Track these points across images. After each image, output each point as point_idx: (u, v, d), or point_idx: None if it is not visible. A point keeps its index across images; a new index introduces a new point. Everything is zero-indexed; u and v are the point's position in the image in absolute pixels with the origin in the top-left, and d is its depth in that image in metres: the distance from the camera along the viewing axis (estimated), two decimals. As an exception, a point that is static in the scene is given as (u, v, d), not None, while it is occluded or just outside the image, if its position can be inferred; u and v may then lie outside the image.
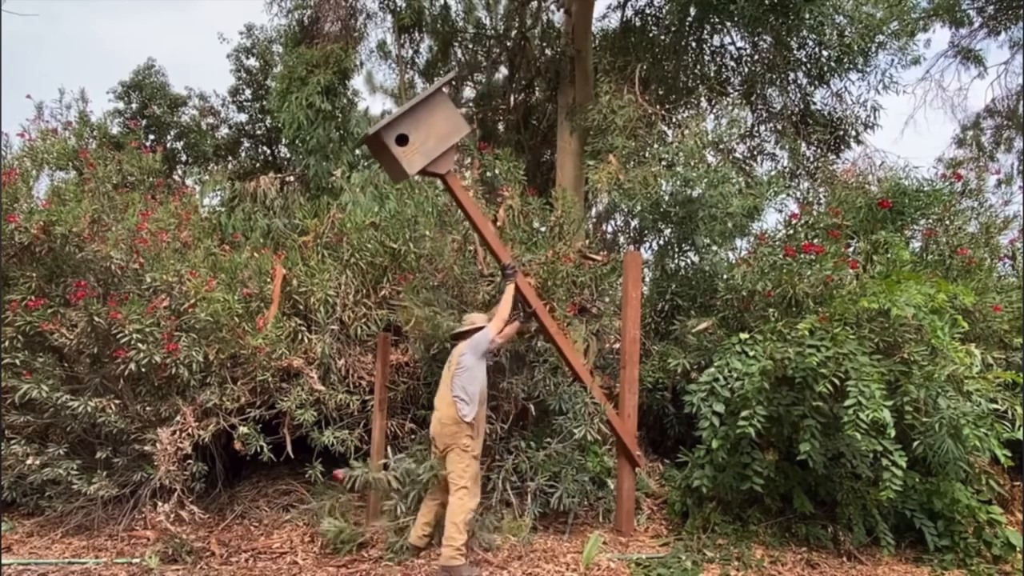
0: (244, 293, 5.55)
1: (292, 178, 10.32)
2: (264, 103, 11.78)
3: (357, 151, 10.62)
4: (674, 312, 6.72)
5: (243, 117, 12.64)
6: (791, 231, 6.18)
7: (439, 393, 4.58)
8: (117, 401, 4.96)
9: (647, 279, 7.39)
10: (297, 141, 9.57)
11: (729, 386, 4.84)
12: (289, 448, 5.23)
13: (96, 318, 4.81)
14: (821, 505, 5.25)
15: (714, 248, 6.77)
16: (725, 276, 6.22)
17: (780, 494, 5.23)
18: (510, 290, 4.71)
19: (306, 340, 5.45)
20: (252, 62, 12.24)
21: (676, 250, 7.30)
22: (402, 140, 4.41)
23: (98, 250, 5.15)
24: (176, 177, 11.28)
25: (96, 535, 5.03)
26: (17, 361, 4.88)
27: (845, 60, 9.11)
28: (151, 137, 11.38)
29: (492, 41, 13.89)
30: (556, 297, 5.70)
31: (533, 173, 11.73)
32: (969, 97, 39.82)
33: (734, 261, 6.40)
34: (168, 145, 11.42)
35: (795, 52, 9.67)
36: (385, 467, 4.87)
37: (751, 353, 4.89)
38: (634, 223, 8.61)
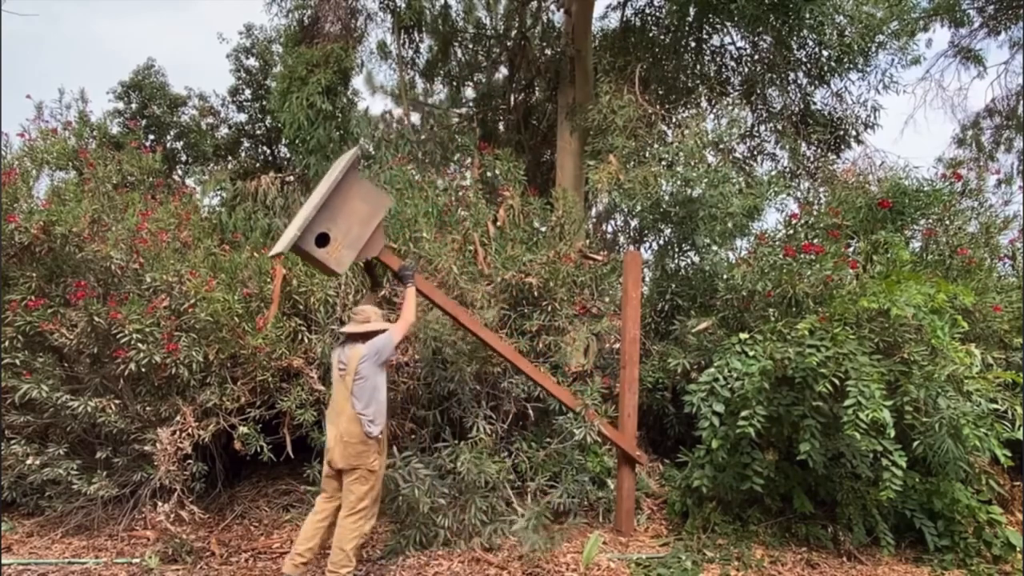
0: (244, 293, 5.55)
1: (292, 178, 10.31)
2: (264, 103, 11.77)
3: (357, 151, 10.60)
4: (674, 312, 6.72)
5: (243, 117, 12.63)
6: (791, 231, 6.18)
7: (335, 405, 4.01)
8: (117, 401, 4.96)
9: (647, 279, 7.40)
10: (297, 141, 9.56)
11: (729, 386, 4.84)
12: (289, 448, 5.23)
13: (96, 318, 4.81)
14: (821, 505, 5.25)
15: (714, 248, 6.77)
16: (725, 276, 6.22)
17: (780, 494, 5.23)
18: (411, 293, 4.26)
19: (306, 340, 5.45)
20: (252, 62, 12.22)
21: (676, 250, 7.30)
22: (323, 240, 3.97)
23: (98, 250, 5.15)
24: (176, 177, 11.27)
25: (96, 535, 5.03)
26: (17, 361, 4.88)
27: (845, 60, 9.11)
28: (151, 137, 11.36)
29: (492, 41, 13.88)
30: (558, 297, 5.70)
31: (533, 173, 11.72)
32: (969, 97, 39.84)
33: (734, 261, 6.40)
34: (168, 145, 11.40)
35: (795, 52, 9.67)
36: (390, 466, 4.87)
37: (751, 353, 4.89)
38: (634, 223, 8.61)
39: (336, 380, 4.06)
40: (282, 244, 3.91)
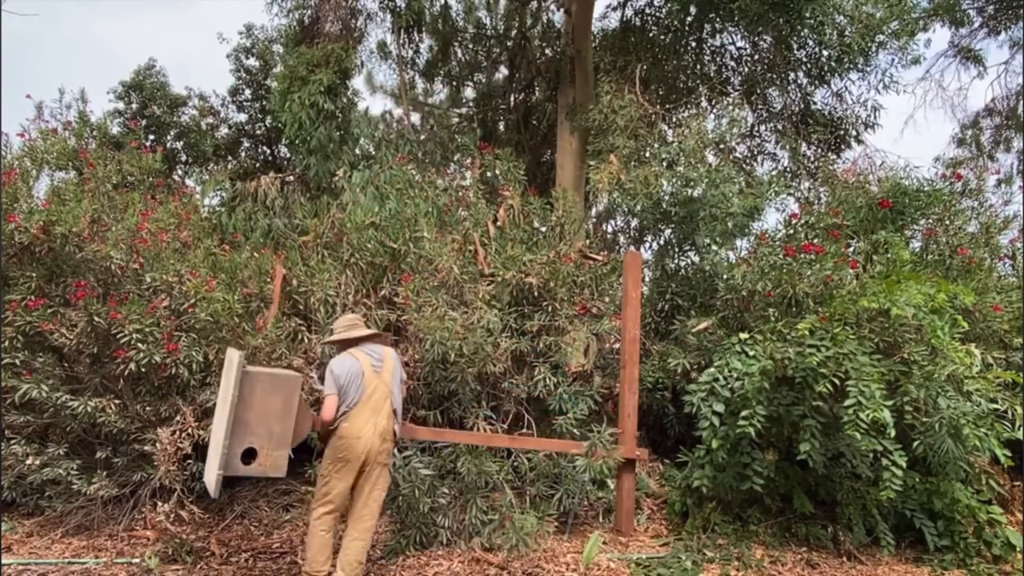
0: (244, 293, 5.55)
1: (292, 178, 10.31)
2: (264, 103, 11.78)
3: (357, 151, 10.62)
4: (674, 312, 6.73)
5: (243, 117, 12.63)
6: (791, 231, 6.18)
7: (372, 403, 3.97)
8: (117, 401, 4.96)
9: (647, 279, 7.40)
10: (297, 141, 9.57)
11: (729, 386, 4.84)
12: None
13: (96, 318, 4.81)
14: (821, 505, 5.25)
15: (714, 248, 6.77)
16: (725, 276, 6.22)
17: (780, 494, 5.23)
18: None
19: (306, 340, 5.45)
20: (252, 62, 12.23)
21: (676, 250, 7.31)
22: (250, 455, 3.72)
23: (98, 250, 5.15)
24: (176, 177, 11.28)
25: (96, 535, 5.03)
26: (17, 361, 4.88)
27: (845, 60, 9.12)
28: (151, 137, 11.37)
29: (492, 41, 13.89)
30: (558, 297, 5.70)
31: (533, 173, 11.73)
32: (969, 97, 39.90)
33: (734, 261, 6.40)
34: (168, 145, 11.40)
35: (795, 52, 9.68)
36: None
37: (751, 353, 4.89)
38: (634, 223, 8.62)
39: (371, 378, 4.01)
40: (211, 486, 3.66)
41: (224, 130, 12.58)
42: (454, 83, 14.54)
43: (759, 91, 10.38)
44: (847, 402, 4.31)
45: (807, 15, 8.51)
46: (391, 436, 4.04)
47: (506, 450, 5.34)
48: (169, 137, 11.63)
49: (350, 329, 4.23)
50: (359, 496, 4.02)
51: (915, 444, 4.56)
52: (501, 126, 13.86)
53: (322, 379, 4.21)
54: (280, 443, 3.79)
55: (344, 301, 5.63)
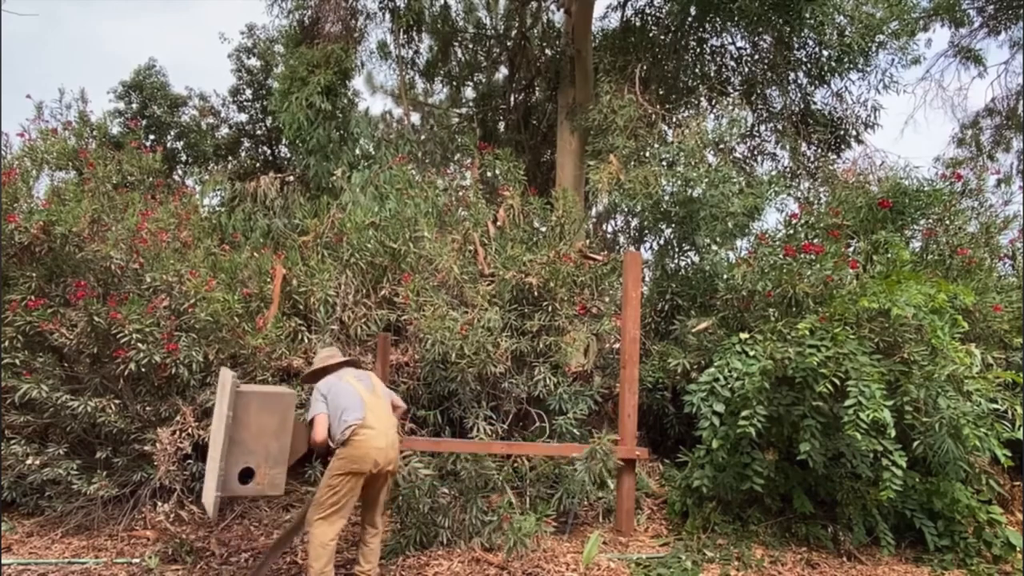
0: (244, 293, 5.55)
1: (292, 178, 10.31)
2: (265, 103, 11.78)
3: (357, 151, 10.62)
4: (674, 312, 6.72)
5: (243, 117, 12.64)
6: (791, 231, 6.18)
7: (378, 414, 4.02)
8: (117, 401, 4.96)
9: (647, 279, 7.40)
10: (298, 141, 9.57)
11: (729, 386, 4.84)
12: (289, 448, 5.23)
13: (96, 318, 4.81)
14: (821, 505, 5.25)
15: (714, 248, 6.77)
16: (725, 276, 6.22)
17: (780, 494, 5.23)
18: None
19: (306, 340, 5.45)
20: (253, 62, 12.23)
21: (676, 250, 7.30)
22: (247, 475, 3.72)
23: (98, 250, 5.15)
24: (176, 177, 11.28)
25: (96, 535, 5.03)
26: (17, 361, 4.88)
27: (845, 60, 9.13)
28: (151, 137, 11.37)
29: (492, 41, 13.89)
30: (558, 297, 5.70)
31: (533, 173, 11.74)
32: (969, 97, 39.90)
33: (734, 261, 6.40)
34: (168, 145, 11.41)
35: (795, 52, 9.69)
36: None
37: (751, 353, 4.89)
38: (634, 223, 8.62)
39: (368, 396, 4.04)
40: (209, 507, 3.64)
41: (224, 130, 12.58)
42: (454, 83, 14.54)
43: (759, 91, 10.38)
44: (847, 402, 4.31)
45: (807, 15, 8.51)
46: (398, 444, 4.12)
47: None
48: (169, 137, 11.64)
49: (329, 358, 4.25)
50: (375, 503, 4.11)
51: (915, 444, 4.56)
52: (501, 126, 13.87)
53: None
54: (277, 461, 3.80)
55: (344, 301, 5.63)
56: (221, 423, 3.65)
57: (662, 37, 10.71)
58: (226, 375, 3.74)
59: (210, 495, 3.63)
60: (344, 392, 3.99)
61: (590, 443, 4.91)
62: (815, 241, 5.69)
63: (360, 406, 3.95)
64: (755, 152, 10.80)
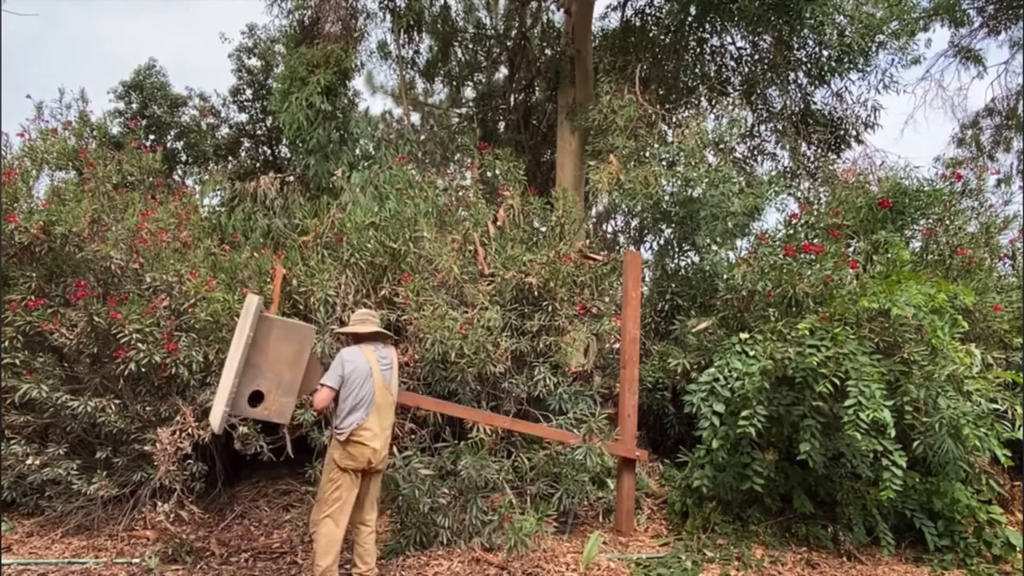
0: (244, 293, 5.54)
1: (292, 178, 10.31)
2: (265, 103, 11.77)
3: (357, 151, 10.62)
4: (674, 312, 6.72)
5: (244, 117, 12.63)
6: (791, 231, 6.17)
7: (382, 414, 4.01)
8: (117, 401, 4.96)
9: (647, 279, 7.40)
10: (297, 141, 9.56)
11: (729, 386, 4.84)
12: (289, 448, 5.23)
13: (96, 318, 4.81)
14: (821, 505, 5.25)
15: (714, 248, 6.77)
16: (725, 276, 6.22)
17: (780, 494, 5.23)
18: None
19: (306, 340, 5.44)
20: (253, 62, 12.22)
21: (676, 250, 7.31)
22: (257, 398, 3.75)
23: (98, 250, 5.15)
24: (176, 177, 11.27)
25: (96, 535, 5.03)
26: (17, 361, 4.88)
27: (845, 60, 9.12)
28: (151, 137, 11.36)
29: (492, 41, 13.88)
30: (558, 297, 5.70)
31: (533, 173, 11.73)
32: (969, 97, 39.92)
33: (734, 261, 6.40)
34: (168, 145, 11.40)
35: (795, 52, 9.68)
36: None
37: (751, 353, 4.89)
38: (634, 223, 8.62)
39: (378, 377, 4.01)
40: (216, 423, 3.71)
41: (224, 130, 12.57)
42: (454, 83, 14.54)
43: (759, 91, 10.38)
44: (847, 402, 4.31)
45: (807, 15, 8.51)
46: (389, 440, 4.20)
47: (506, 450, 5.34)
48: (169, 137, 11.63)
49: (363, 323, 4.20)
50: (366, 498, 4.11)
51: (915, 444, 4.56)
52: (501, 126, 13.86)
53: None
54: (288, 390, 3.82)
55: (344, 301, 5.62)
56: (240, 343, 3.70)
57: (662, 37, 10.71)
58: (252, 299, 3.78)
59: (218, 411, 3.68)
60: (361, 380, 3.95)
61: (584, 424, 4.94)
62: (815, 241, 5.69)
63: (369, 405, 3.98)
64: (755, 152, 10.80)
